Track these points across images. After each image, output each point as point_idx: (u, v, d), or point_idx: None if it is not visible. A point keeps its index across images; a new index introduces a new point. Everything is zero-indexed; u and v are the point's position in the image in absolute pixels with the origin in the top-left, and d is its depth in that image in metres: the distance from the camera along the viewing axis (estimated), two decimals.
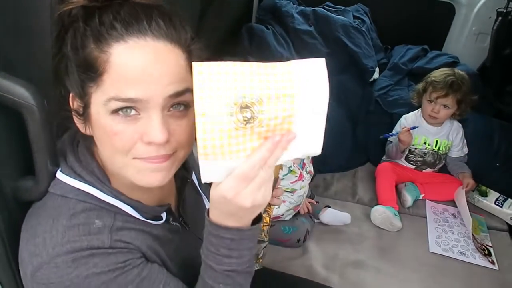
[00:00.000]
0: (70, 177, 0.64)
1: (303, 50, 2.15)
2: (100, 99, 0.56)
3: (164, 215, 0.72)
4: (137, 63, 0.55)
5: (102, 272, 0.59)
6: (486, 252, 1.65)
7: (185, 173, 0.82)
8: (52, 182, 0.65)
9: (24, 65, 0.63)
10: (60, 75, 0.60)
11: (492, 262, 1.62)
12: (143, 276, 0.63)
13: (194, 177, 0.86)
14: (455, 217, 1.84)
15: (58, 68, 0.60)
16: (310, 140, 0.56)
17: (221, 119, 0.50)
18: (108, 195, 0.65)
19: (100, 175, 0.65)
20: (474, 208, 1.90)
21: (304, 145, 0.56)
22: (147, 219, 0.68)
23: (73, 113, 0.61)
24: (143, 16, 0.57)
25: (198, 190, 0.88)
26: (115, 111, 0.56)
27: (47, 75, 0.62)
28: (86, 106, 0.58)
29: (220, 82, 0.50)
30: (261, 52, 2.10)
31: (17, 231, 0.64)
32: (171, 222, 0.74)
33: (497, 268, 1.60)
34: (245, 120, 0.51)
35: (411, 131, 1.81)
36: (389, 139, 1.97)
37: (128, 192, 0.67)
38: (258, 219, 0.63)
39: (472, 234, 1.69)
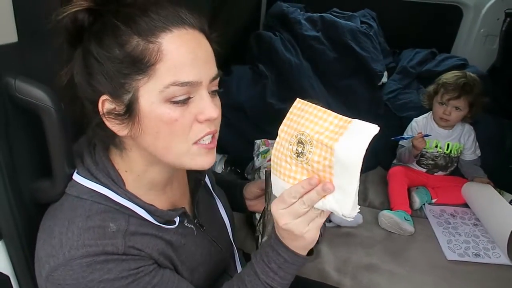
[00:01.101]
0: (87, 179, 0.66)
1: (311, 56, 2.16)
2: (155, 88, 0.59)
3: (177, 219, 0.73)
4: (189, 48, 0.60)
5: (116, 278, 0.60)
6: None
7: (199, 175, 0.83)
8: (69, 183, 0.67)
9: (43, 69, 0.65)
10: (82, 82, 0.62)
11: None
12: (154, 284, 0.65)
13: (207, 179, 0.87)
14: (454, 217, 1.82)
15: (80, 75, 0.61)
16: (340, 199, 0.59)
17: (285, 144, 0.62)
18: (123, 197, 0.66)
19: (116, 178, 0.67)
20: None
21: (334, 201, 0.59)
22: (160, 223, 0.69)
23: (106, 117, 0.62)
24: (172, 8, 0.61)
25: (211, 192, 0.89)
26: (170, 100, 0.60)
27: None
28: (131, 102, 0.60)
29: (301, 118, 0.60)
30: (269, 58, 2.12)
31: (34, 232, 0.66)
32: (185, 224, 0.75)
33: (511, 264, 1.57)
34: (296, 153, 0.60)
35: (425, 138, 1.80)
36: (401, 143, 1.96)
37: (143, 196, 0.68)
38: (309, 254, 0.70)
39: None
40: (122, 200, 0.66)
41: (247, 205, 0.99)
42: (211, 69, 0.63)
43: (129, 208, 0.66)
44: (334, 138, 0.56)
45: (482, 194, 1.81)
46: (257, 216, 1.52)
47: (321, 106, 0.60)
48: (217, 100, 0.67)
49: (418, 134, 1.80)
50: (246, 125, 1.89)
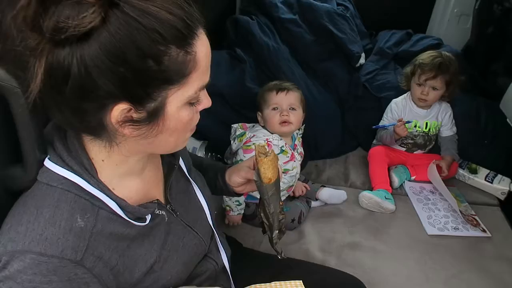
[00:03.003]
0: (58, 165, 0.64)
1: (288, 39, 2.14)
2: (184, 95, 0.60)
3: (148, 217, 0.71)
4: (208, 51, 0.61)
5: None
6: (475, 222, 1.68)
7: (172, 159, 0.81)
8: (40, 170, 0.65)
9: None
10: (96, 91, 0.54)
11: (484, 230, 1.65)
12: None
13: (182, 163, 0.85)
14: (433, 193, 1.86)
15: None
16: None
17: None
18: (95, 187, 0.64)
19: (89, 166, 0.65)
20: (465, 186, 1.93)
21: None
22: (130, 219, 0.67)
23: (121, 124, 0.58)
24: (186, 4, 0.57)
25: (187, 176, 0.87)
26: (190, 102, 0.63)
27: None
28: (156, 110, 0.59)
29: None
30: (247, 43, 2.09)
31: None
32: (156, 211, 0.73)
33: (490, 235, 1.63)
34: None
35: (406, 125, 1.81)
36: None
37: (116, 186, 0.67)
38: None
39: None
40: (94, 190, 0.64)
41: (237, 191, 0.98)
42: None
43: (100, 199, 0.64)
44: None
45: (432, 177, 1.87)
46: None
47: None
48: None
49: (399, 121, 1.81)
50: (226, 110, 1.86)
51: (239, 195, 1.01)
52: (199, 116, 0.68)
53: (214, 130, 1.80)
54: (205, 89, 0.65)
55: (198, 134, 1.74)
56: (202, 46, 0.58)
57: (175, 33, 0.54)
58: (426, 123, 1.91)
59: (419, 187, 1.90)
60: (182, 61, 0.56)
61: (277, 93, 1.53)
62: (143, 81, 0.54)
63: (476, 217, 1.72)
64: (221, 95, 1.87)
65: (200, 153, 1.73)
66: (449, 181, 1.90)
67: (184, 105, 0.61)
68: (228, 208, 1.52)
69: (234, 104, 1.89)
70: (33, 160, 0.64)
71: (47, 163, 0.65)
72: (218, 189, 1.00)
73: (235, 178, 0.94)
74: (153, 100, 0.57)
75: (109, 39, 0.50)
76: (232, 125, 1.60)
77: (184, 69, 0.57)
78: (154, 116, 0.59)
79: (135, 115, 0.58)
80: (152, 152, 0.70)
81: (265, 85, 1.63)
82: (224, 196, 1.51)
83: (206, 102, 0.67)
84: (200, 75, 0.60)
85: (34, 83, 0.51)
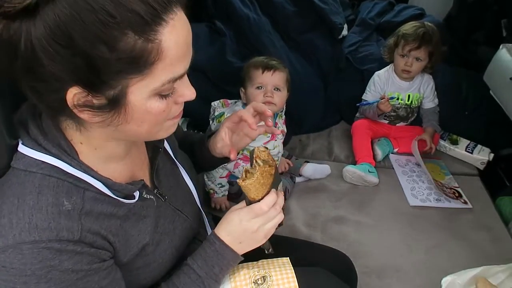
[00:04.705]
0: (34, 149, 0.60)
1: (269, 10, 2.08)
2: (149, 86, 0.54)
3: (137, 194, 0.68)
4: (182, 39, 0.54)
5: (66, 271, 0.57)
6: (457, 195, 1.72)
7: (157, 142, 0.78)
8: (14, 156, 0.61)
9: None
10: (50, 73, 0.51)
11: (465, 202, 1.69)
12: (103, 285, 0.63)
13: (167, 146, 0.83)
14: (418, 166, 1.88)
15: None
16: None
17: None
18: (77, 169, 0.61)
19: (68, 148, 0.61)
20: (446, 156, 1.96)
21: None
22: (118, 197, 0.65)
23: (78, 108, 0.54)
24: None
25: (173, 159, 0.85)
26: (160, 94, 0.56)
27: None
28: (117, 98, 0.54)
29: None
30: (226, 15, 2.02)
31: None
32: (144, 195, 0.71)
33: (471, 207, 1.67)
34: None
35: (390, 100, 1.81)
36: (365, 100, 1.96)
37: (98, 168, 0.63)
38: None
39: (437, 180, 1.75)
40: (76, 171, 0.60)
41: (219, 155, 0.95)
42: (192, 51, 0.59)
43: (84, 181, 0.61)
44: None
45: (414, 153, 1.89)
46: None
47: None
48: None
49: (382, 98, 1.80)
50: (206, 86, 1.81)
51: (223, 161, 0.98)
52: (177, 108, 0.63)
53: (195, 107, 1.73)
54: (186, 79, 0.60)
55: None
56: (171, 34, 0.51)
57: (133, 17, 0.48)
58: (409, 96, 1.91)
59: (405, 159, 1.92)
60: (142, 50, 0.50)
61: (263, 71, 1.46)
62: (95, 67, 0.50)
63: (459, 189, 1.75)
64: (201, 70, 1.82)
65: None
66: (434, 153, 1.92)
67: (152, 96, 0.55)
68: (211, 191, 1.50)
69: (215, 79, 1.84)
70: (3, 146, 0.60)
71: (22, 148, 0.61)
72: (206, 164, 0.98)
73: (220, 149, 0.92)
74: (111, 88, 0.52)
75: (53, 18, 0.47)
76: (212, 103, 1.55)
77: (144, 58, 0.51)
78: (115, 104, 0.54)
79: (94, 101, 0.54)
80: (127, 139, 0.66)
81: (250, 59, 1.56)
82: (207, 180, 1.49)
83: (188, 94, 0.62)
84: (169, 66, 0.53)
85: None
